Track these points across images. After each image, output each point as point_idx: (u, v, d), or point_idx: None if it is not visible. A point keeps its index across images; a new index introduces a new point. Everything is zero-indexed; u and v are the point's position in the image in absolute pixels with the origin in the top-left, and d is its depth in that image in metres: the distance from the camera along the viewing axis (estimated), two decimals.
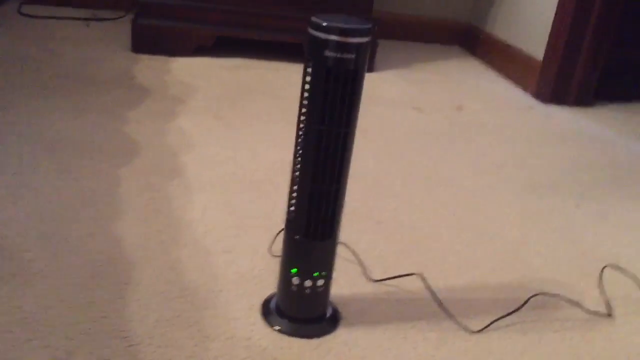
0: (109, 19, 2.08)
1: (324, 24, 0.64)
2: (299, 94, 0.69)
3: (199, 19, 1.81)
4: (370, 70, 1.95)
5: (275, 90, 1.66)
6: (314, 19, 0.65)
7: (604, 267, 1.00)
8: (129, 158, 1.15)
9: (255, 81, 1.71)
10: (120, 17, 2.10)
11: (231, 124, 1.39)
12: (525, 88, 1.98)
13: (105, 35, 1.91)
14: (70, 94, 1.42)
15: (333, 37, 0.64)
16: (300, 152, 0.69)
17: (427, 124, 1.58)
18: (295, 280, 0.75)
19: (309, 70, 0.66)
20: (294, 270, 0.75)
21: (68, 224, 0.92)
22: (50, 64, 1.60)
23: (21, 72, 1.51)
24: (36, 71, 1.53)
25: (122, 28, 1.98)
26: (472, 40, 2.41)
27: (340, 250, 0.95)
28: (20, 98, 1.36)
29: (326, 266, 0.76)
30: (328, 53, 0.65)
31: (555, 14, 1.86)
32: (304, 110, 0.67)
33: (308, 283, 0.75)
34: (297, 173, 0.70)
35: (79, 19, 2.03)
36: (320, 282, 0.76)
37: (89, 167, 1.10)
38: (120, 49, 1.80)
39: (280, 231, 0.94)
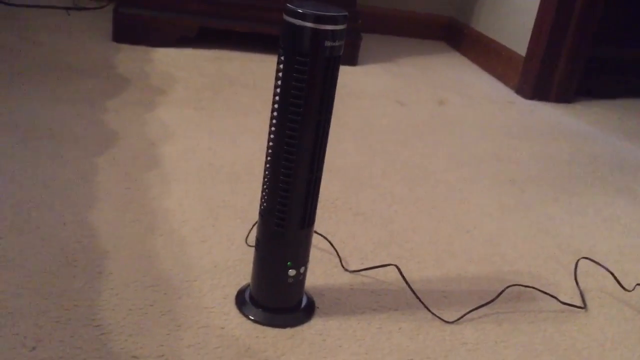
0: (90, 8, 2.05)
1: (326, 14, 0.63)
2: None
3: (182, 10, 1.80)
4: (354, 63, 1.95)
5: (257, 82, 1.65)
6: (304, 10, 0.63)
7: (578, 260, 1.00)
8: (107, 147, 1.14)
9: (237, 72, 1.70)
10: (102, 7, 2.08)
11: (212, 115, 1.38)
12: (507, 83, 1.99)
13: (87, 25, 1.89)
14: (48, 82, 1.40)
15: (332, 27, 0.64)
16: (296, 143, 0.68)
17: (409, 118, 1.58)
18: (292, 272, 0.75)
19: (303, 61, 0.65)
20: (289, 263, 0.74)
21: (42, 213, 0.91)
22: (29, 52, 1.58)
23: (0, 60, 1.49)
24: (15, 60, 1.51)
25: (104, 17, 1.96)
26: (457, 35, 2.42)
27: (317, 241, 0.95)
28: None
29: (309, 251, 0.77)
30: (327, 43, 0.64)
31: (538, 11, 1.87)
32: (297, 101, 0.66)
33: (302, 270, 0.75)
34: (292, 164, 0.69)
35: (60, 7, 2.01)
36: (306, 268, 0.77)
37: (65, 156, 1.09)
38: (101, 38, 1.78)
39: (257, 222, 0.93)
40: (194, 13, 1.81)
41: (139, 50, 1.73)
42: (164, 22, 1.79)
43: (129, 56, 1.67)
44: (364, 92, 1.71)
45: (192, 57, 1.76)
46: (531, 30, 1.90)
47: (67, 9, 2.01)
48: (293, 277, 0.75)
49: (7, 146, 1.09)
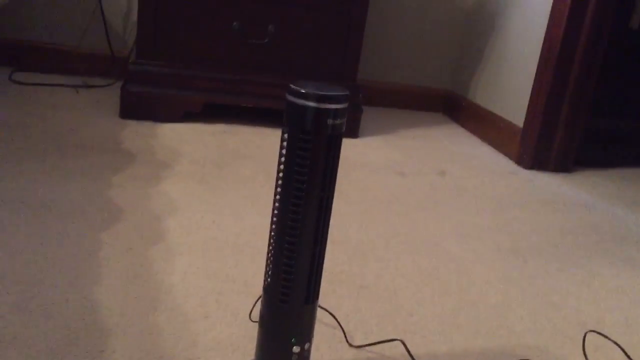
0: (99, 86, 2.12)
1: (328, 94, 0.66)
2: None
3: (187, 86, 1.85)
4: (355, 136, 1.99)
5: (261, 155, 1.68)
6: (307, 90, 0.66)
7: (586, 333, 0.99)
8: (111, 222, 1.15)
9: (241, 146, 1.73)
10: (110, 84, 2.14)
11: (216, 188, 1.40)
12: (507, 154, 2.02)
13: (95, 102, 1.94)
14: (56, 159, 1.43)
15: (335, 106, 0.66)
16: (300, 219, 0.69)
17: (411, 189, 1.59)
18: (296, 349, 0.74)
19: (306, 138, 0.67)
20: (293, 340, 0.73)
21: (45, 290, 0.91)
22: (38, 129, 1.61)
23: (8, 137, 1.53)
24: (24, 137, 1.54)
25: (111, 95, 2.02)
26: (455, 107, 2.47)
27: (321, 316, 0.94)
28: (6, 163, 1.36)
29: (314, 326, 0.76)
30: (330, 121, 0.67)
31: (534, 83, 1.93)
32: (301, 177, 0.68)
33: (307, 346, 0.75)
34: (295, 239, 0.70)
35: (69, 86, 2.07)
36: (311, 345, 0.76)
37: (70, 231, 1.09)
38: (108, 115, 1.82)
39: (260, 297, 0.93)
40: (199, 89, 1.86)
41: (145, 126, 1.77)
42: (169, 98, 1.84)
43: (135, 132, 1.71)
44: (365, 164, 1.74)
45: (197, 132, 1.80)
46: (527, 101, 1.95)
47: (76, 87, 2.07)
48: (297, 354, 0.74)
49: (12, 222, 1.10)
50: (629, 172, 2.06)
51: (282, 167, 0.69)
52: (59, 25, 2.21)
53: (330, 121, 0.67)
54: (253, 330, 0.88)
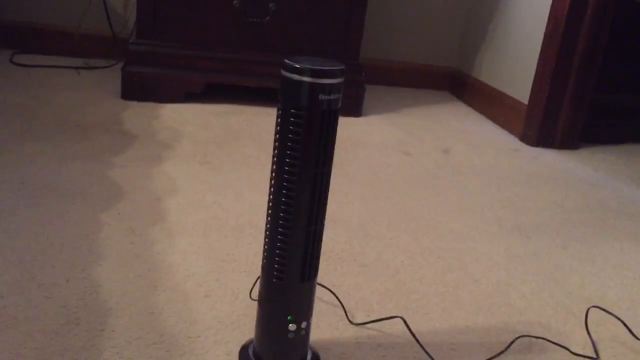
0: (100, 67, 2.11)
1: (322, 68, 0.64)
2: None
3: (188, 66, 1.84)
4: (359, 115, 1.98)
5: (262, 135, 1.67)
6: (300, 65, 0.64)
7: (589, 308, 0.98)
8: (112, 203, 1.15)
9: (243, 126, 1.72)
10: (112, 65, 2.13)
11: (217, 169, 1.39)
12: (512, 131, 2.00)
13: (96, 83, 1.93)
14: (57, 140, 1.43)
15: (330, 81, 0.65)
16: (294, 195, 0.68)
17: (414, 167, 1.58)
18: (292, 327, 0.73)
19: (300, 114, 0.66)
20: (289, 318, 0.73)
21: (45, 270, 0.91)
22: (39, 111, 1.61)
23: (10, 119, 1.52)
24: (25, 118, 1.54)
25: (112, 76, 2.01)
26: (460, 85, 2.45)
27: (322, 294, 0.94)
28: (7, 144, 1.36)
29: (312, 305, 0.75)
30: (322, 97, 0.65)
31: (539, 59, 1.90)
32: (294, 153, 0.67)
33: (304, 324, 0.74)
34: (289, 216, 0.69)
35: (70, 67, 2.06)
36: (309, 323, 0.75)
37: (71, 212, 1.09)
38: (110, 96, 1.82)
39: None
40: (200, 69, 1.85)
41: (147, 107, 1.77)
42: (170, 79, 1.83)
43: (137, 113, 1.70)
44: (369, 143, 1.73)
45: (199, 112, 1.79)
46: (533, 78, 1.92)
47: (77, 68, 2.06)
48: (294, 332, 0.74)
49: (14, 203, 1.10)
50: (636, 148, 2.04)
51: (276, 144, 0.69)
52: (59, 6, 2.20)
53: (324, 96, 0.65)
54: (253, 309, 0.88)
